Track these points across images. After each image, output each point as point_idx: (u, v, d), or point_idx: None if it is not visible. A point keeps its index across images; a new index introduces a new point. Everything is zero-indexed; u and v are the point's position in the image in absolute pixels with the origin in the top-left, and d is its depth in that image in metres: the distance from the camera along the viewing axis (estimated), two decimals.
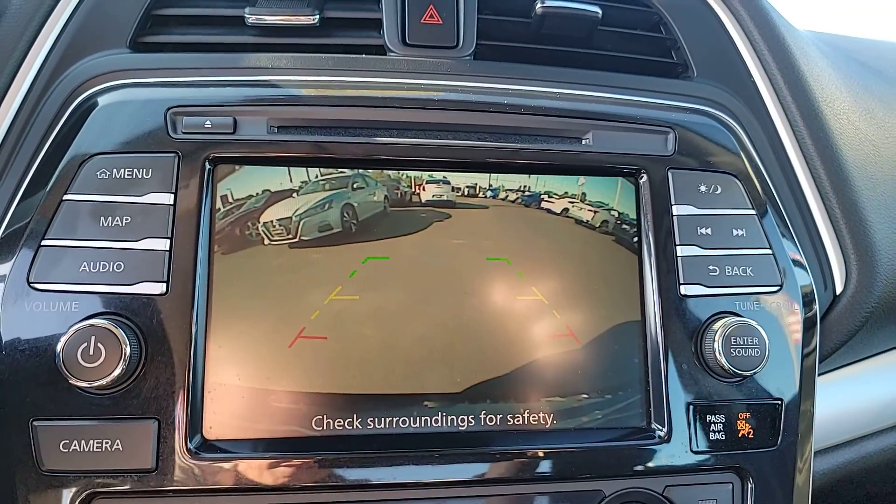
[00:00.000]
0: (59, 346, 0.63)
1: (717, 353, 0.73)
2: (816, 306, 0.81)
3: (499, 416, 0.73)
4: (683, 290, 0.77)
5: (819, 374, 0.82)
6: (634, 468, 0.73)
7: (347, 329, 0.71)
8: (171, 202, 0.70)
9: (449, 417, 0.72)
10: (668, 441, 0.74)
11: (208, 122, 0.72)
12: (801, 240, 0.86)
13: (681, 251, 0.78)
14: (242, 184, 0.72)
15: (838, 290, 0.87)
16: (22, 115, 0.77)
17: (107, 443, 0.65)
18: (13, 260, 0.67)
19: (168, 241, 0.69)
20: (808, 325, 0.80)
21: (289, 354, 0.70)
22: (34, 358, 0.65)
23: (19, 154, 0.76)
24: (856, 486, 0.96)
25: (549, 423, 0.73)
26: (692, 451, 0.74)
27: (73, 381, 0.63)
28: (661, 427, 0.74)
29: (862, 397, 0.96)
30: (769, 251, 0.80)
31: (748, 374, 0.74)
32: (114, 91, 0.74)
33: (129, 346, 0.64)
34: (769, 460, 0.76)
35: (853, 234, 0.86)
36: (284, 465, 0.67)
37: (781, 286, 0.79)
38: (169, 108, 0.72)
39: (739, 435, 0.76)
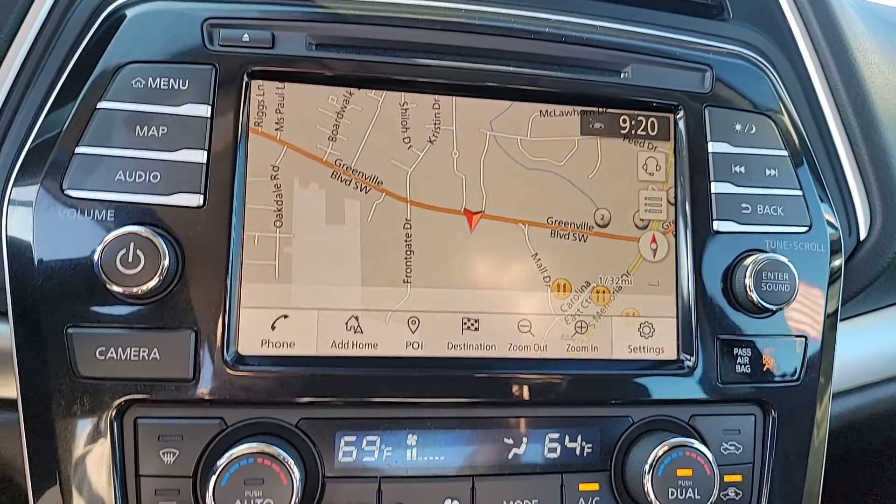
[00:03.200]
0: (97, 252, 0.62)
1: (747, 288, 0.74)
2: (842, 249, 0.82)
3: (530, 345, 0.73)
4: (716, 225, 0.77)
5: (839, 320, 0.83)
6: (662, 397, 0.74)
7: (383, 238, 0.71)
8: (208, 115, 0.68)
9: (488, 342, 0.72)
10: (696, 371, 0.75)
11: (246, 36, 0.70)
12: (829, 185, 0.87)
13: (715, 188, 0.78)
14: (280, 100, 0.71)
15: (862, 235, 0.88)
16: (49, 25, 0.75)
17: (143, 352, 0.64)
18: (45, 167, 0.65)
19: (205, 153, 0.68)
20: (834, 268, 0.81)
21: (322, 272, 0.70)
22: (69, 265, 0.64)
23: (47, 64, 0.74)
24: (867, 431, 0.98)
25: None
26: (718, 382, 0.75)
27: (110, 287, 0.62)
28: (689, 358, 0.75)
29: (876, 345, 0.98)
30: (800, 193, 0.81)
31: (776, 308, 0.75)
32: (147, 2, 0.72)
33: (167, 255, 0.63)
34: (791, 394, 0.78)
35: (880, 181, 0.87)
36: (318, 380, 0.67)
37: (810, 227, 0.80)
38: (206, 20, 0.70)
39: (764, 369, 0.77)
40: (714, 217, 0.78)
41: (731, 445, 0.76)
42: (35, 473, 0.65)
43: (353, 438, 0.69)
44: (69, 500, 0.64)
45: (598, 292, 0.76)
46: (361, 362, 0.69)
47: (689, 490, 0.70)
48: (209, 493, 0.62)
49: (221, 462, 0.62)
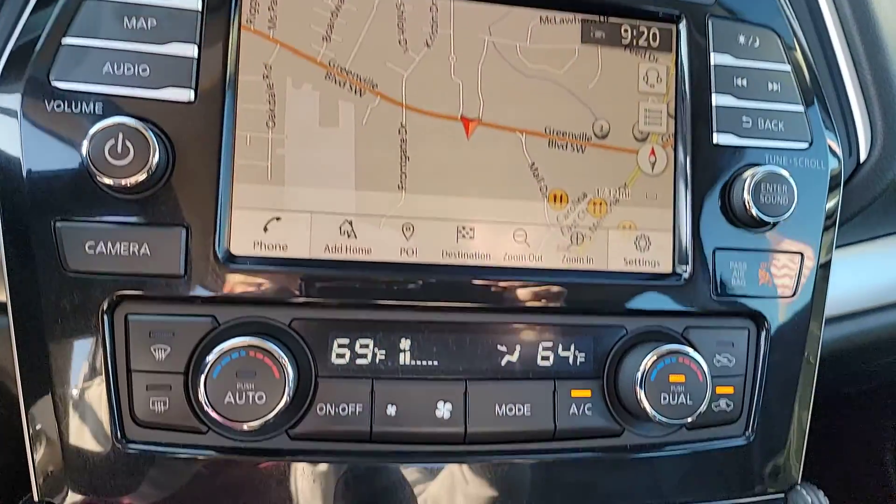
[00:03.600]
0: (85, 142, 0.60)
1: (745, 200, 0.73)
2: (842, 168, 0.81)
3: (526, 255, 0.73)
4: (717, 138, 0.76)
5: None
6: (657, 308, 0.74)
7: (377, 142, 0.70)
8: (200, 8, 0.66)
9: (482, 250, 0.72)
10: (691, 284, 0.75)
11: None
12: (830, 104, 0.86)
13: (716, 100, 0.77)
14: None
15: (862, 157, 0.87)
16: None
17: (134, 247, 0.63)
18: (32, 57, 0.64)
19: (196, 47, 0.66)
20: (833, 186, 0.80)
21: (315, 175, 0.69)
22: (58, 158, 0.63)
23: None
24: (854, 358, 0.99)
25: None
26: (713, 295, 0.75)
27: (100, 180, 0.61)
28: (685, 271, 0.75)
29: (868, 274, 0.98)
30: (801, 108, 0.80)
31: (774, 220, 0.74)
32: None
33: (157, 149, 0.61)
34: (785, 309, 0.78)
35: (882, 103, 0.86)
36: (311, 281, 0.66)
37: (811, 144, 0.79)
38: None
39: (759, 283, 0.77)
40: (714, 129, 0.76)
41: (723, 358, 0.76)
42: (25, 373, 0.64)
43: (346, 341, 0.68)
44: (60, 398, 0.64)
45: (594, 204, 0.75)
46: (355, 266, 0.69)
47: (681, 396, 0.70)
48: (201, 386, 0.61)
49: (213, 355, 0.62)
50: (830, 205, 0.80)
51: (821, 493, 0.80)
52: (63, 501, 0.64)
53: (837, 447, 0.98)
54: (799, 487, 0.80)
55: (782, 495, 0.79)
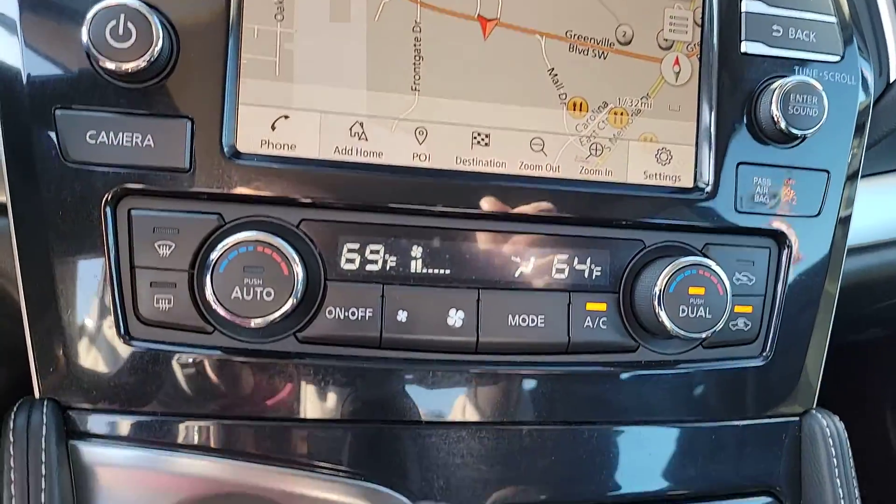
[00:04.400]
0: (86, 22, 0.57)
1: (773, 111, 0.70)
2: (872, 86, 0.78)
3: (543, 165, 0.70)
4: (745, 47, 0.73)
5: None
6: (677, 222, 0.72)
7: (390, 40, 0.67)
8: None
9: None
10: (712, 199, 0.72)
11: None
12: (862, 22, 0.82)
13: (746, 6, 0.73)
14: None
15: (892, 77, 0.84)
16: None
17: (137, 137, 0.61)
18: None
19: None
20: (862, 102, 0.77)
21: (325, 72, 0.66)
22: (57, 41, 0.60)
23: None
24: (875, 291, 0.97)
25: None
26: (735, 210, 0.73)
27: (100, 64, 0.58)
28: (707, 185, 0.72)
29: (892, 206, 0.95)
30: (833, 19, 0.76)
31: (803, 133, 0.71)
32: None
33: (160, 34, 0.58)
34: (808, 228, 0.75)
35: None
36: (321, 180, 0.64)
37: (842, 58, 0.76)
38: None
39: (783, 200, 0.74)
40: (743, 38, 0.73)
41: (743, 276, 0.74)
42: (26, 270, 0.62)
43: (356, 246, 0.66)
44: (62, 295, 0.62)
45: (615, 114, 0.72)
46: (366, 168, 0.66)
47: (700, 309, 0.68)
48: (207, 280, 0.60)
49: (220, 248, 0.60)
50: (859, 122, 0.77)
51: (836, 418, 0.78)
52: (65, 399, 0.62)
53: (852, 375, 0.97)
54: (814, 412, 0.78)
55: (797, 419, 0.78)
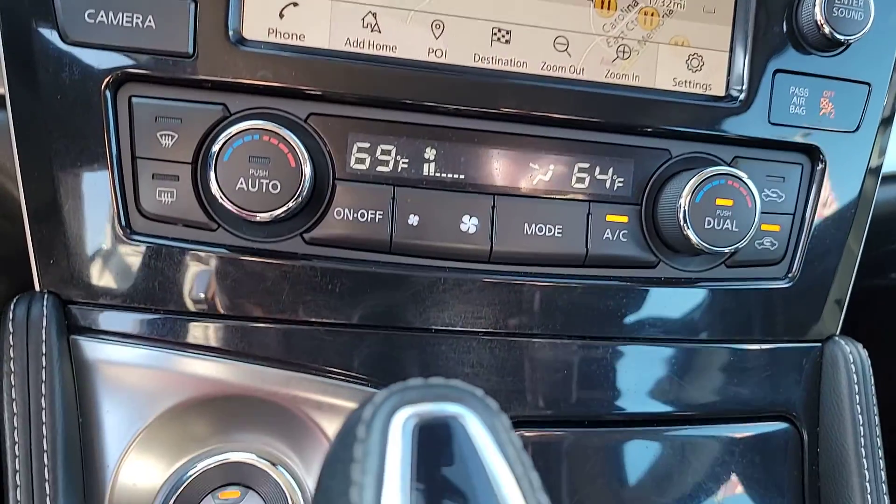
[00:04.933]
0: None
1: (816, 14, 0.65)
2: None
3: (566, 66, 0.66)
4: None
5: None
6: (706, 132, 0.68)
7: None
8: None
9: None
10: (745, 109, 0.68)
11: None
12: None
13: None
14: None
15: None
16: None
17: (138, 18, 0.57)
18: None
19: None
20: None
21: None
22: None
23: None
24: None
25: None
26: (769, 122, 0.68)
27: None
28: (740, 92, 0.68)
29: None
30: None
31: (846, 38, 0.66)
32: None
33: None
34: (844, 144, 0.71)
35: None
36: (330, 71, 0.60)
37: None
38: None
39: (820, 113, 0.70)
40: None
41: (773, 193, 0.71)
42: (25, 162, 0.60)
43: (366, 145, 0.63)
44: (63, 186, 0.59)
45: (645, 14, 0.68)
46: (378, 62, 0.63)
47: (727, 222, 0.65)
48: (211, 170, 0.57)
49: (224, 136, 0.57)
50: None
51: (860, 346, 0.76)
52: (65, 293, 0.60)
53: (879, 309, 0.94)
54: (838, 338, 0.75)
55: (819, 345, 0.75)
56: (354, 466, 0.31)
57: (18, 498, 0.54)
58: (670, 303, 0.70)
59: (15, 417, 0.56)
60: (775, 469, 0.73)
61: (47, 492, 0.55)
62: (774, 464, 0.74)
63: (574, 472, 0.67)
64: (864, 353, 0.75)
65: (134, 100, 0.59)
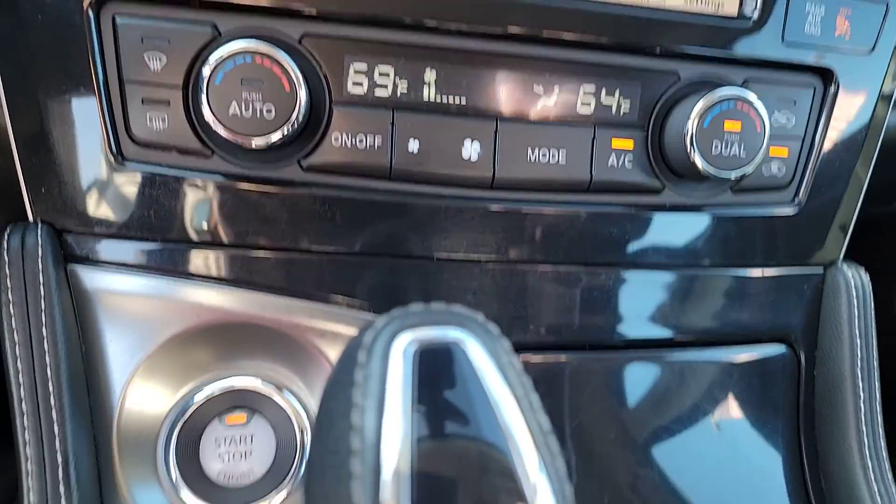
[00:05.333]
0: None
1: None
2: None
3: None
4: None
5: None
6: (716, 54, 0.65)
7: None
8: None
9: None
10: (758, 29, 0.65)
11: None
12: None
13: None
14: None
15: None
16: None
17: None
18: None
19: None
20: None
21: None
22: None
23: None
24: None
25: None
26: (782, 43, 0.66)
27: None
28: (754, 12, 0.65)
29: None
30: None
31: None
32: None
33: None
34: (859, 67, 0.69)
35: None
36: None
37: None
38: None
39: (836, 33, 0.67)
40: None
41: (782, 116, 0.68)
42: (10, 89, 0.58)
43: (363, 66, 0.60)
44: (50, 113, 0.57)
45: None
46: None
47: (735, 146, 0.63)
48: (202, 93, 0.55)
49: (215, 58, 0.54)
50: None
51: (862, 271, 0.75)
52: (59, 223, 0.60)
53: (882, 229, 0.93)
54: (840, 264, 0.75)
55: (821, 270, 0.75)
56: (356, 390, 0.30)
57: (25, 424, 0.55)
58: (674, 229, 0.69)
59: (17, 347, 0.56)
60: (772, 391, 0.75)
61: (54, 417, 0.56)
62: (772, 386, 0.75)
63: (574, 395, 0.68)
64: (866, 277, 0.75)
65: (118, 19, 0.56)
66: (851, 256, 0.77)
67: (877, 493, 0.70)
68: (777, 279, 0.73)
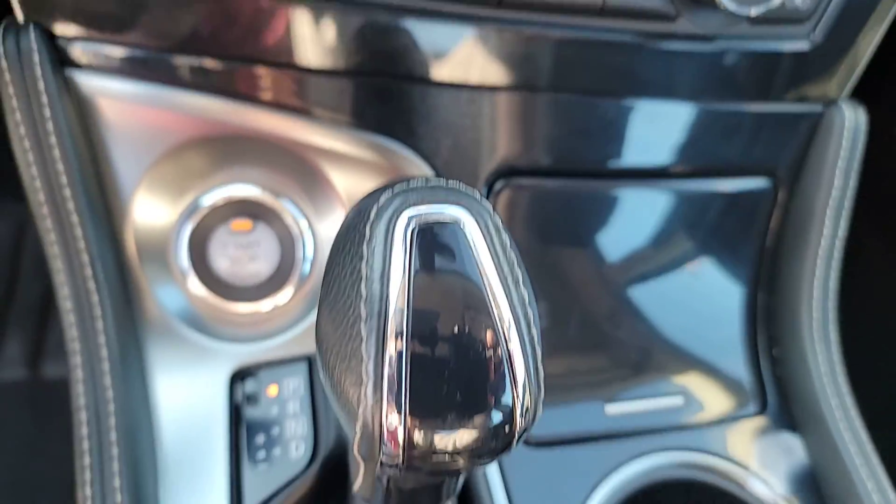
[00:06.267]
0: None
1: None
2: None
3: None
4: None
5: None
6: None
7: None
8: None
9: None
10: None
11: None
12: None
13: None
14: None
15: None
16: None
17: None
18: None
19: None
20: None
21: None
22: None
23: None
24: None
25: None
26: None
27: None
28: None
29: None
30: None
31: None
32: None
33: None
34: None
35: None
36: None
37: None
38: None
39: None
40: None
41: None
42: None
43: None
44: None
45: None
46: None
47: None
48: None
49: None
50: None
51: (861, 110, 0.75)
52: (49, 25, 0.57)
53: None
54: (841, 102, 0.75)
55: (820, 107, 0.75)
56: (362, 263, 0.34)
57: (49, 227, 0.59)
58: (683, 60, 0.67)
59: (28, 153, 0.58)
60: (749, 223, 0.79)
61: (75, 221, 0.59)
62: (750, 218, 0.79)
63: (564, 219, 0.73)
64: (863, 118, 0.76)
65: None
66: (859, 96, 0.77)
67: (815, 322, 0.77)
68: (775, 115, 0.73)
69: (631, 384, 0.75)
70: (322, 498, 0.61)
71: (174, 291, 0.66)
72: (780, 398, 0.80)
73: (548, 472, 0.69)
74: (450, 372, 0.34)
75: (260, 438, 0.62)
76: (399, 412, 0.33)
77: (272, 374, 0.66)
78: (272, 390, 0.65)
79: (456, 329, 0.34)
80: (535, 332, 0.36)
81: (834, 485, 0.74)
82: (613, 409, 0.74)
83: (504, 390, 0.34)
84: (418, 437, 0.34)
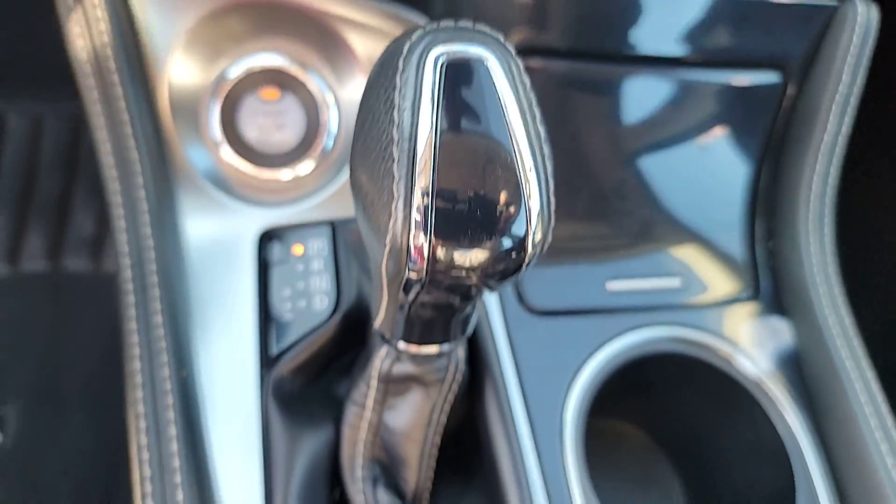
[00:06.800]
0: None
1: None
2: None
3: None
4: None
5: None
6: None
7: None
8: None
9: None
10: None
11: None
12: None
13: None
14: None
15: None
16: None
17: None
18: None
19: None
20: None
21: None
22: None
23: None
24: None
25: None
26: None
27: None
28: None
29: None
30: None
31: None
32: None
33: None
34: None
35: None
36: None
37: None
38: None
39: None
40: None
41: None
42: None
43: None
44: None
45: None
46: None
47: None
48: None
49: None
50: None
51: (873, 8, 0.76)
52: None
53: None
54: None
55: (836, 2, 0.76)
56: (395, 92, 0.38)
57: (92, 84, 0.62)
58: None
59: (71, 12, 0.60)
60: (757, 115, 0.81)
61: (115, 80, 0.63)
62: (758, 111, 0.81)
63: (576, 100, 0.75)
64: (875, 15, 0.76)
65: None
66: None
67: (812, 213, 0.81)
68: (791, 7, 0.74)
69: (633, 258, 0.80)
70: (343, 345, 0.67)
71: (204, 153, 0.70)
72: (772, 285, 0.84)
73: (550, 340, 0.74)
74: (471, 195, 0.38)
75: (286, 291, 0.68)
76: (424, 230, 0.38)
77: (298, 234, 0.71)
78: (298, 249, 0.70)
79: (478, 156, 0.38)
80: (548, 165, 0.40)
81: (815, 364, 0.79)
82: (614, 285, 0.79)
83: (518, 213, 0.39)
84: (441, 252, 0.38)
